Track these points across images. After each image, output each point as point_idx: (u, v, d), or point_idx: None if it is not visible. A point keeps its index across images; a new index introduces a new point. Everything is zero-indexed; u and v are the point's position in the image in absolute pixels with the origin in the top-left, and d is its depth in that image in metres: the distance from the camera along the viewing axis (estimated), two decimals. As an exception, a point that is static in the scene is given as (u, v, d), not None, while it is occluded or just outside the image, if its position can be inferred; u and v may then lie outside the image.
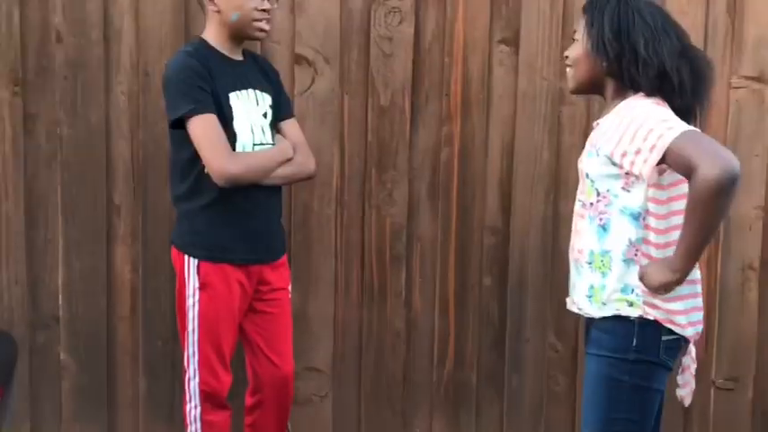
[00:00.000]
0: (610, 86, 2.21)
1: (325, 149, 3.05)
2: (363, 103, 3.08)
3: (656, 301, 2.11)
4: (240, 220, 2.53)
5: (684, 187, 2.05)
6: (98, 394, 3.12)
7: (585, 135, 3.05)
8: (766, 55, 3.10)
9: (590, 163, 2.18)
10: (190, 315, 2.53)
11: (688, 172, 1.95)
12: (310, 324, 3.11)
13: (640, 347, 2.12)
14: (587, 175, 2.19)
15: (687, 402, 2.31)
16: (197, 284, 2.52)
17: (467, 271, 3.17)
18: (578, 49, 2.23)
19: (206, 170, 2.44)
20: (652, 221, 2.11)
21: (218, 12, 2.51)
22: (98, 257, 3.03)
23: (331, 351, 3.15)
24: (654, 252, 2.11)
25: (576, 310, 2.27)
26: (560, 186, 3.13)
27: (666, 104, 2.15)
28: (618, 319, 2.14)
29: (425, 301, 3.17)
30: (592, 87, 2.27)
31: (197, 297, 2.52)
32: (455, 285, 3.17)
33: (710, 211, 1.95)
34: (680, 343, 2.17)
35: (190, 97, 2.42)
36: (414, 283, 3.17)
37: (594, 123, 2.27)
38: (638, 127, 2.04)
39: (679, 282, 2.06)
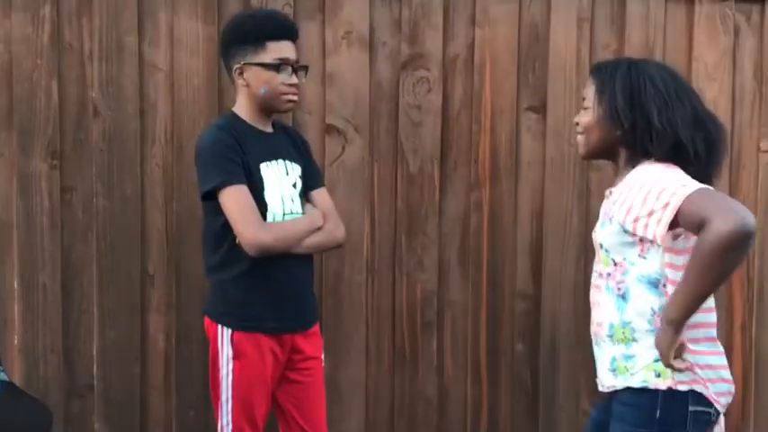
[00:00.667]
0: (623, 153, 2.18)
1: (356, 217, 3.08)
2: (393, 171, 3.12)
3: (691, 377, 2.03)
4: (272, 290, 2.55)
5: None
6: (131, 464, 3.12)
7: (615, 200, 3.08)
8: (795, 118, 3.11)
9: (604, 233, 2.15)
10: (223, 385, 2.54)
11: (701, 227, 1.88)
12: (342, 392, 3.11)
13: (665, 419, 2.04)
14: (601, 246, 2.17)
15: None
16: (230, 354, 2.53)
17: (498, 337, 3.16)
18: (589, 116, 2.20)
19: (237, 240, 2.47)
20: (671, 288, 2.04)
21: (248, 86, 2.57)
22: (132, 326, 3.06)
23: (363, 419, 3.14)
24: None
25: (600, 388, 2.21)
26: (590, 251, 3.08)
27: (679, 169, 2.10)
28: (642, 391, 2.06)
29: (457, 368, 3.16)
30: (604, 154, 2.23)
31: (230, 367, 2.53)
32: (487, 352, 3.16)
33: (717, 264, 1.86)
34: (710, 416, 2.08)
35: (221, 169, 2.47)
36: (445, 350, 3.16)
37: (607, 192, 2.23)
38: (649, 189, 2.01)
39: (675, 332, 1.96)
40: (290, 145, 2.69)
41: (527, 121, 3.13)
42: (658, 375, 2.05)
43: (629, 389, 2.08)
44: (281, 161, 2.61)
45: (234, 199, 2.46)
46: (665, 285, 2.06)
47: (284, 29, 2.60)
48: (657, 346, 2.01)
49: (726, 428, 2.23)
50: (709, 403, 2.06)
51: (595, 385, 3.07)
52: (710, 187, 2.01)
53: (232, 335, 2.53)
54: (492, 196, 3.13)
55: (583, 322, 3.13)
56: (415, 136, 3.11)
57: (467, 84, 3.12)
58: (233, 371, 2.53)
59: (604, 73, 2.19)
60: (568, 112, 3.10)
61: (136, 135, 3.03)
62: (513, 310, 3.16)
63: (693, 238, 1.98)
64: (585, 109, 2.22)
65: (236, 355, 2.52)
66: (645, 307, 2.08)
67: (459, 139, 3.13)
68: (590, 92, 2.21)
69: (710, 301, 2.08)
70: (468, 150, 3.13)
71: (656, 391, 2.04)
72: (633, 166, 2.14)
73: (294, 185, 2.63)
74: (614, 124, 2.15)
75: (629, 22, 3.10)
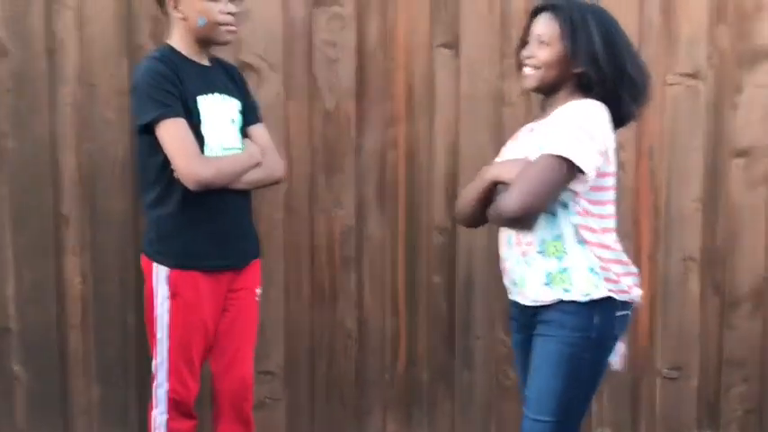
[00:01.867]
0: (568, 88, 2.33)
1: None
2: (308, 108, 3.13)
3: (614, 278, 2.27)
4: (210, 226, 2.52)
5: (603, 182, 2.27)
6: (52, 403, 3.13)
7: (527, 134, 3.14)
8: (700, 52, 3.18)
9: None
10: (159, 323, 2.52)
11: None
12: (263, 328, 3.12)
13: (600, 325, 2.27)
14: None
15: (620, 367, 2.41)
16: (166, 293, 2.50)
17: (416, 270, 3.22)
18: (549, 52, 2.31)
19: (175, 175, 2.43)
20: (585, 204, 2.26)
21: (184, 18, 2.49)
22: (48, 268, 3.05)
23: (284, 354, 3.19)
24: (595, 233, 2.27)
25: (530, 303, 2.35)
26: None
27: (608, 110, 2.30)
28: (581, 301, 2.26)
29: (376, 302, 3.22)
30: (551, 89, 2.36)
31: (166, 306, 2.50)
32: (405, 285, 3.22)
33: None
34: (628, 318, 2.35)
35: (158, 102, 2.41)
36: (364, 285, 3.21)
37: (529, 127, 2.41)
38: (586, 131, 2.21)
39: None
40: (228, 80, 2.64)
41: (441, 57, 3.16)
42: (596, 286, 2.26)
43: (570, 301, 2.27)
44: (218, 95, 2.56)
45: (172, 132, 2.41)
46: (577, 203, 2.27)
47: None
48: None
49: (633, 353, 2.41)
50: (627, 306, 2.33)
51: (509, 313, 3.19)
52: (552, 159, 2.20)
53: (168, 274, 2.50)
54: (408, 132, 3.17)
55: (497, 254, 3.20)
56: (330, 73, 3.12)
57: (381, 21, 3.12)
58: (168, 310, 2.50)
59: (571, 13, 2.30)
60: (481, 48, 3.14)
61: (44, 75, 2.97)
62: (430, 243, 3.21)
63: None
64: (542, 44, 2.32)
65: (172, 295, 2.50)
66: (567, 222, 2.27)
67: (374, 76, 3.14)
68: (550, 29, 2.32)
69: (606, 209, 2.31)
70: (384, 87, 3.15)
71: (595, 300, 2.26)
72: (571, 100, 2.31)
73: (233, 121, 2.59)
74: (588, 67, 2.27)
75: (540, -42, 3.12)
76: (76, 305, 3.08)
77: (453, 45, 3.15)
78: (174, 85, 2.43)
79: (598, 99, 2.29)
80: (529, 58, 2.36)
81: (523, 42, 2.41)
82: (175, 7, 2.49)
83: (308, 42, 3.10)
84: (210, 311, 2.55)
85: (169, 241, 2.50)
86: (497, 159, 2.54)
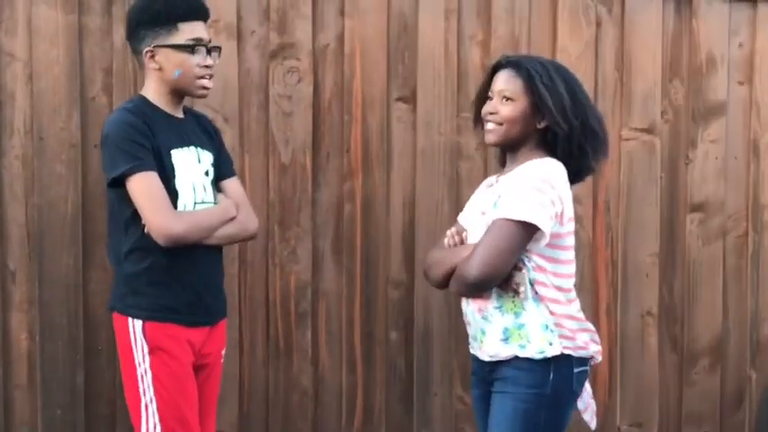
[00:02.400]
0: (530, 143, 2.35)
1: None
2: (264, 162, 3.10)
3: (569, 335, 2.27)
4: (182, 281, 2.41)
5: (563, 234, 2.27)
6: (-5, 467, 3.02)
7: (484, 188, 3.13)
8: (654, 107, 3.22)
9: (494, 214, 2.29)
10: (142, 385, 2.35)
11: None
12: (215, 385, 3.07)
13: (556, 381, 2.26)
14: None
15: (593, 425, 2.44)
16: (146, 349, 2.36)
17: (373, 325, 3.18)
18: (513, 108, 2.32)
19: (147, 230, 2.34)
20: (539, 261, 2.26)
21: (160, 69, 2.43)
22: (-7, 325, 2.96)
23: (236, 412, 3.11)
24: (549, 289, 2.27)
25: (488, 359, 2.34)
26: (462, 239, 3.18)
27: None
28: (536, 359, 2.26)
29: (332, 358, 3.17)
30: (513, 144, 2.36)
31: (148, 362, 2.35)
32: (361, 340, 3.17)
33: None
34: (587, 373, 2.35)
35: (129, 155, 2.32)
36: (320, 340, 3.16)
37: (492, 179, 2.45)
38: (546, 193, 2.23)
39: None
40: (201, 132, 2.58)
41: (397, 111, 3.15)
42: (551, 344, 2.26)
43: (525, 358, 2.27)
44: (192, 148, 2.48)
45: (143, 186, 2.32)
46: (530, 260, 2.28)
47: (196, 9, 2.47)
48: None
49: (596, 407, 2.41)
50: (585, 362, 2.32)
51: (468, 371, 3.15)
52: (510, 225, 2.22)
53: (143, 326, 2.36)
54: (364, 186, 3.14)
55: (455, 309, 3.18)
56: (286, 126, 3.09)
57: (337, 74, 3.11)
58: (151, 366, 2.35)
59: (533, 68, 2.32)
60: (437, 102, 3.14)
61: (-7, 126, 2.91)
62: (387, 298, 3.18)
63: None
64: (506, 99, 2.33)
65: (152, 349, 2.35)
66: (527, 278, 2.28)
67: (330, 130, 3.13)
68: (513, 84, 2.33)
69: (569, 268, 2.33)
70: (340, 140, 3.13)
71: (550, 357, 2.25)
72: (532, 158, 2.32)
73: (206, 173, 2.51)
74: (545, 119, 2.30)
75: (495, 14, 3.15)
76: (22, 363, 2.99)
77: (410, 99, 3.15)
78: (147, 138, 2.36)
79: (560, 154, 2.32)
80: (492, 114, 2.35)
81: (481, 98, 2.42)
82: (152, 57, 2.42)
83: (264, 95, 3.08)
84: (192, 363, 2.42)
85: (142, 294, 2.38)
86: (461, 216, 2.53)
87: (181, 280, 2.41)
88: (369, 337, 3.17)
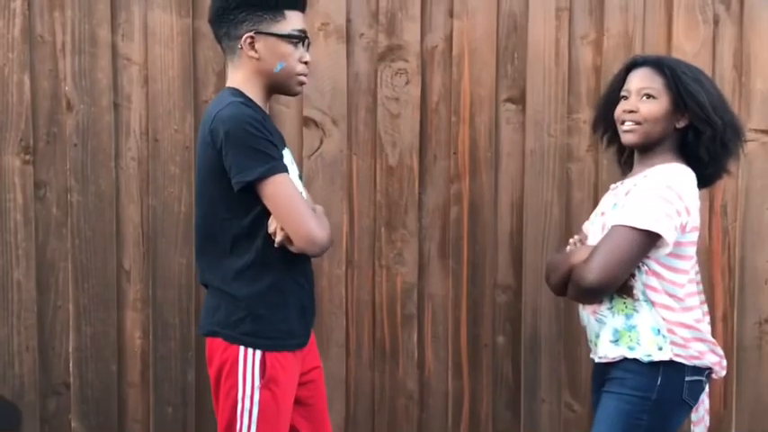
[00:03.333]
0: (666, 145, 2.29)
1: (335, 210, 3.05)
2: (372, 164, 3.09)
3: (681, 342, 2.19)
4: (299, 298, 2.23)
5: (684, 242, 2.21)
6: (109, 461, 3.09)
7: (595, 190, 3.08)
8: (774, 108, 3.10)
9: (614, 215, 2.25)
10: (245, 419, 2.13)
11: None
12: (322, 387, 3.07)
13: (664, 388, 2.20)
14: (608, 227, 2.25)
15: None
16: (258, 382, 2.12)
17: (479, 330, 3.14)
18: (656, 106, 2.26)
19: (278, 240, 2.10)
20: (655, 266, 2.21)
21: (259, 59, 2.18)
22: (108, 323, 3.02)
23: (343, 414, 3.11)
24: (661, 294, 2.21)
25: (598, 360, 2.32)
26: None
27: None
28: (645, 362, 2.21)
29: (438, 362, 3.14)
30: (651, 145, 2.30)
31: (257, 397, 2.12)
32: (468, 344, 3.14)
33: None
34: (702, 384, 2.27)
35: (263, 154, 2.06)
36: (426, 343, 3.14)
37: (614, 185, 2.39)
38: (670, 202, 2.17)
39: None
40: (279, 134, 2.34)
41: (506, 112, 3.11)
42: (660, 348, 2.19)
43: (633, 359, 2.22)
44: (287, 149, 2.28)
45: (285, 190, 2.07)
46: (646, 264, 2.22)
47: None
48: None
49: (710, 417, 2.33)
50: (701, 372, 2.24)
51: (576, 377, 3.09)
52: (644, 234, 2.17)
53: (263, 358, 2.13)
54: (471, 188, 3.11)
55: (564, 314, 3.12)
56: (393, 128, 3.08)
57: (445, 75, 3.09)
58: (259, 402, 2.13)
59: (671, 66, 2.27)
60: (547, 102, 3.08)
61: (110, 129, 2.98)
62: (494, 302, 3.13)
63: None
64: (648, 98, 2.27)
65: (268, 383, 2.13)
66: (640, 281, 2.23)
67: (437, 131, 3.10)
68: (655, 82, 2.27)
69: (683, 278, 2.24)
70: (448, 142, 3.10)
71: (659, 362, 2.19)
72: (665, 162, 2.26)
73: (300, 176, 2.34)
74: (688, 117, 2.24)
75: (608, 12, 3.07)
76: (136, 362, 3.05)
77: (519, 100, 3.10)
78: (273, 135, 2.13)
79: (703, 154, 2.26)
80: (631, 112, 2.29)
81: (611, 100, 2.37)
82: (251, 44, 2.17)
83: (373, 97, 3.07)
84: (293, 396, 2.24)
85: (262, 320, 2.14)
86: (585, 224, 2.47)
87: (298, 298, 2.23)
88: (475, 341, 3.13)
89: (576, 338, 3.14)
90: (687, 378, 2.22)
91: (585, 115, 3.09)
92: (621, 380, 2.23)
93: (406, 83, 3.07)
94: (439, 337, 3.13)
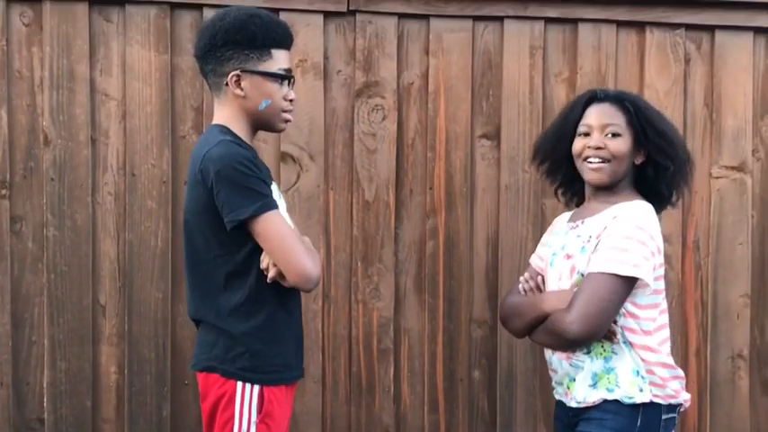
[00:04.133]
0: (625, 181, 2.30)
1: (312, 244, 3.05)
2: (348, 198, 3.11)
3: (660, 383, 2.20)
4: (293, 331, 2.25)
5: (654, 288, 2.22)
6: (82, 498, 3.06)
7: (569, 226, 3.10)
8: (745, 145, 3.15)
9: (583, 260, 2.24)
10: None
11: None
12: (298, 422, 3.07)
13: (643, 427, 2.19)
14: (578, 270, 2.25)
15: None
16: (255, 417, 2.13)
17: (455, 364, 3.15)
18: (623, 143, 2.26)
19: (270, 276, 2.13)
20: (631, 308, 2.22)
21: (244, 97, 2.21)
22: (84, 358, 3.01)
23: (319, 449, 3.11)
24: (639, 335, 2.21)
25: (575, 405, 2.28)
26: (546, 277, 3.15)
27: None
28: (625, 404, 2.20)
29: (414, 396, 3.14)
30: (616, 183, 2.30)
31: None
32: (444, 379, 3.14)
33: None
34: (675, 420, 2.29)
35: (255, 192, 2.09)
36: (402, 378, 3.14)
37: (579, 222, 2.36)
38: (638, 244, 2.17)
39: None
40: (266, 168, 2.37)
41: (481, 148, 3.14)
42: (641, 390, 2.19)
43: (613, 400, 2.21)
44: (274, 184, 2.30)
45: (276, 226, 2.09)
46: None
47: (289, 36, 2.29)
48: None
49: None
50: (674, 409, 2.26)
51: (551, 411, 3.10)
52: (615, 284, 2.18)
53: (261, 392, 2.15)
54: (447, 223, 3.13)
55: (540, 349, 3.13)
56: (370, 163, 3.10)
57: (421, 111, 3.12)
58: None
59: (631, 102, 2.28)
60: (522, 139, 3.12)
61: (87, 163, 2.99)
62: (470, 337, 3.15)
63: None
64: (615, 136, 2.26)
65: (264, 417, 2.15)
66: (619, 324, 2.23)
67: (414, 167, 3.13)
68: (619, 119, 2.26)
69: (655, 312, 2.26)
70: (424, 177, 3.13)
71: (639, 404, 2.19)
72: (623, 200, 2.27)
73: (285, 210, 2.34)
74: (647, 153, 2.26)
75: (581, 51, 3.13)
76: (111, 397, 3.04)
77: (494, 136, 3.14)
78: (262, 172, 2.16)
79: (664, 190, 2.29)
80: (598, 149, 2.26)
81: (564, 134, 2.36)
82: (237, 82, 2.20)
83: (350, 133, 3.10)
84: (287, 430, 2.27)
85: (259, 356, 2.15)
86: (534, 258, 2.50)
87: (291, 331, 2.26)
88: (451, 375, 3.14)
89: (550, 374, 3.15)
90: (663, 416, 2.24)
91: (560, 151, 3.13)
92: (600, 421, 2.22)
93: (383, 119, 3.10)
94: (415, 371, 3.14)
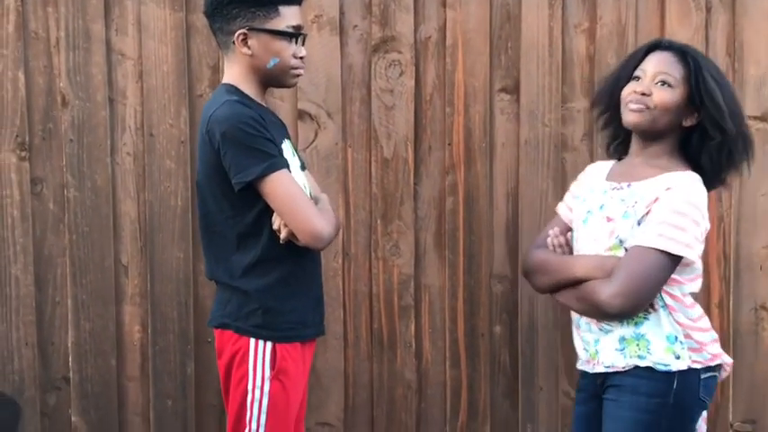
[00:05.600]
0: (668, 142, 2.19)
1: (331, 202, 3.01)
2: (367, 156, 3.09)
3: (696, 346, 2.13)
4: (311, 289, 2.26)
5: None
6: (110, 455, 3.11)
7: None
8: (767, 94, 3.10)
9: (625, 226, 2.16)
10: (254, 410, 2.15)
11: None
12: (321, 378, 3.09)
13: (680, 391, 2.12)
14: (617, 235, 2.17)
15: None
16: (268, 373, 2.15)
17: (476, 319, 3.15)
18: (671, 95, 2.15)
19: (283, 236, 2.13)
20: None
21: (252, 55, 2.20)
22: (107, 318, 3.04)
23: (342, 405, 3.13)
24: (678, 301, 2.15)
25: (603, 370, 2.21)
26: (567, 232, 3.13)
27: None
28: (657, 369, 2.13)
29: (436, 352, 3.15)
30: (655, 135, 2.20)
31: (267, 388, 2.15)
32: (465, 334, 3.14)
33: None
34: (716, 378, 2.21)
35: (261, 152, 2.09)
36: (423, 334, 3.15)
37: (625, 184, 2.24)
38: (687, 221, 2.09)
39: None
40: (281, 123, 2.41)
41: (500, 102, 3.11)
42: (678, 357, 2.12)
43: (646, 367, 2.13)
44: (287, 141, 2.29)
45: (285, 186, 2.09)
46: None
47: None
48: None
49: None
50: (714, 368, 2.18)
51: (573, 365, 3.09)
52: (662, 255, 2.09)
53: (273, 349, 2.16)
54: (467, 179, 3.11)
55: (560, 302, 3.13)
56: (388, 120, 3.08)
57: (439, 66, 3.09)
58: (269, 393, 2.15)
59: (695, 58, 2.17)
60: (541, 92, 3.08)
61: (105, 124, 2.99)
62: (491, 292, 3.14)
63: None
64: (664, 85, 2.15)
65: (278, 374, 2.16)
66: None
67: (432, 123, 3.11)
68: (676, 71, 2.16)
69: (689, 271, 2.18)
70: (443, 133, 3.10)
71: (675, 371, 2.12)
72: (667, 159, 2.17)
73: (302, 167, 2.36)
74: (699, 116, 2.14)
75: (601, 1, 3.07)
76: (135, 355, 3.06)
77: (513, 90, 3.11)
78: (269, 131, 2.14)
79: (704, 161, 2.17)
80: (643, 95, 2.16)
81: (621, 77, 2.25)
82: (244, 41, 2.18)
83: (367, 89, 3.08)
84: (303, 387, 2.28)
85: (273, 312, 2.17)
86: (562, 207, 2.45)
87: (309, 289, 2.26)
88: (472, 330, 3.14)
89: (572, 327, 3.15)
90: (702, 376, 2.16)
91: (580, 104, 3.10)
92: (633, 386, 2.15)
93: (400, 74, 3.08)
94: (436, 327, 3.15)
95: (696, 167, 2.20)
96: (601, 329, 2.22)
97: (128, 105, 3.01)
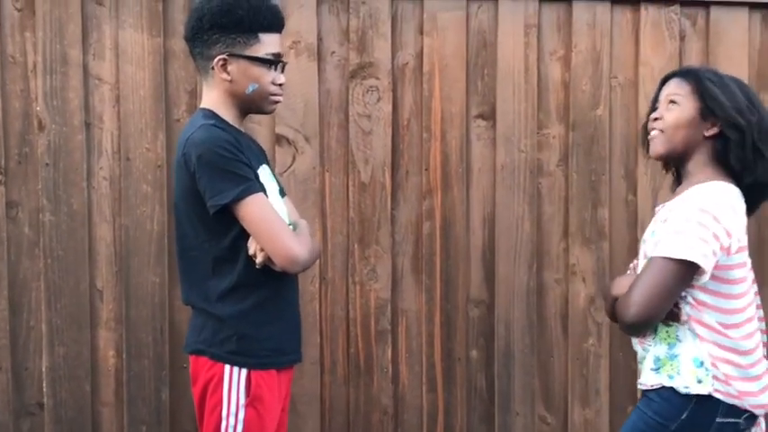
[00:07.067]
0: (700, 157, 2.19)
1: (308, 227, 3.05)
2: (344, 180, 3.11)
3: (722, 377, 2.09)
4: (287, 316, 2.24)
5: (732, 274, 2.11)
6: (83, 482, 3.08)
7: (565, 204, 3.11)
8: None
9: (652, 243, 2.18)
10: None
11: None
12: (296, 403, 3.08)
13: (687, 422, 2.10)
14: (647, 256, 2.19)
15: None
16: (243, 400, 2.14)
17: (453, 344, 3.15)
18: (678, 112, 2.17)
19: (259, 261, 2.12)
20: (700, 295, 2.11)
21: (231, 81, 2.20)
22: (82, 343, 3.01)
23: (319, 430, 3.12)
24: (706, 328, 2.12)
25: (640, 387, 2.24)
26: (543, 256, 3.16)
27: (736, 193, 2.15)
28: (680, 392, 2.12)
29: (412, 376, 3.15)
30: (678, 157, 2.21)
31: (241, 416, 2.13)
32: (442, 359, 3.15)
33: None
34: (739, 427, 2.12)
35: (236, 176, 2.09)
36: (400, 358, 3.15)
37: (658, 208, 2.29)
38: (704, 231, 2.05)
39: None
40: (259, 149, 2.41)
41: (477, 128, 3.14)
42: (700, 381, 2.10)
43: (670, 387, 2.12)
44: (265, 166, 2.29)
45: (259, 210, 2.09)
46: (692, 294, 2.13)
47: (279, 20, 2.27)
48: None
49: None
50: (738, 414, 2.10)
51: (549, 390, 3.12)
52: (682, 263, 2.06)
53: (249, 376, 2.15)
54: (443, 203, 3.13)
55: (537, 327, 3.15)
56: (365, 145, 3.10)
57: (416, 92, 3.11)
58: (244, 420, 2.13)
59: (702, 74, 2.20)
60: (517, 118, 3.11)
61: (82, 148, 2.99)
62: (467, 316, 3.16)
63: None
64: (671, 104, 2.19)
65: (253, 401, 2.15)
66: (684, 312, 2.14)
67: (409, 148, 3.13)
68: (680, 88, 2.19)
69: (740, 302, 2.14)
70: (420, 158, 3.13)
71: (693, 395, 2.09)
72: (702, 175, 2.16)
73: (280, 192, 2.36)
74: (716, 123, 2.14)
75: (576, 29, 3.11)
76: (110, 381, 3.04)
77: (489, 116, 3.13)
78: (245, 155, 2.14)
79: (734, 162, 2.14)
80: (655, 120, 2.21)
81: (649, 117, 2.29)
82: (223, 66, 2.19)
83: (345, 114, 3.09)
84: (278, 415, 2.25)
85: (248, 339, 2.15)
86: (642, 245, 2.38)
87: (284, 315, 2.24)
88: (449, 355, 3.15)
89: (548, 351, 3.17)
90: (719, 419, 2.10)
91: (555, 130, 3.13)
92: (649, 401, 2.15)
93: (378, 100, 3.10)
94: (413, 352, 3.15)
95: (734, 175, 2.18)
96: (644, 349, 2.24)
97: (104, 129, 3.00)
